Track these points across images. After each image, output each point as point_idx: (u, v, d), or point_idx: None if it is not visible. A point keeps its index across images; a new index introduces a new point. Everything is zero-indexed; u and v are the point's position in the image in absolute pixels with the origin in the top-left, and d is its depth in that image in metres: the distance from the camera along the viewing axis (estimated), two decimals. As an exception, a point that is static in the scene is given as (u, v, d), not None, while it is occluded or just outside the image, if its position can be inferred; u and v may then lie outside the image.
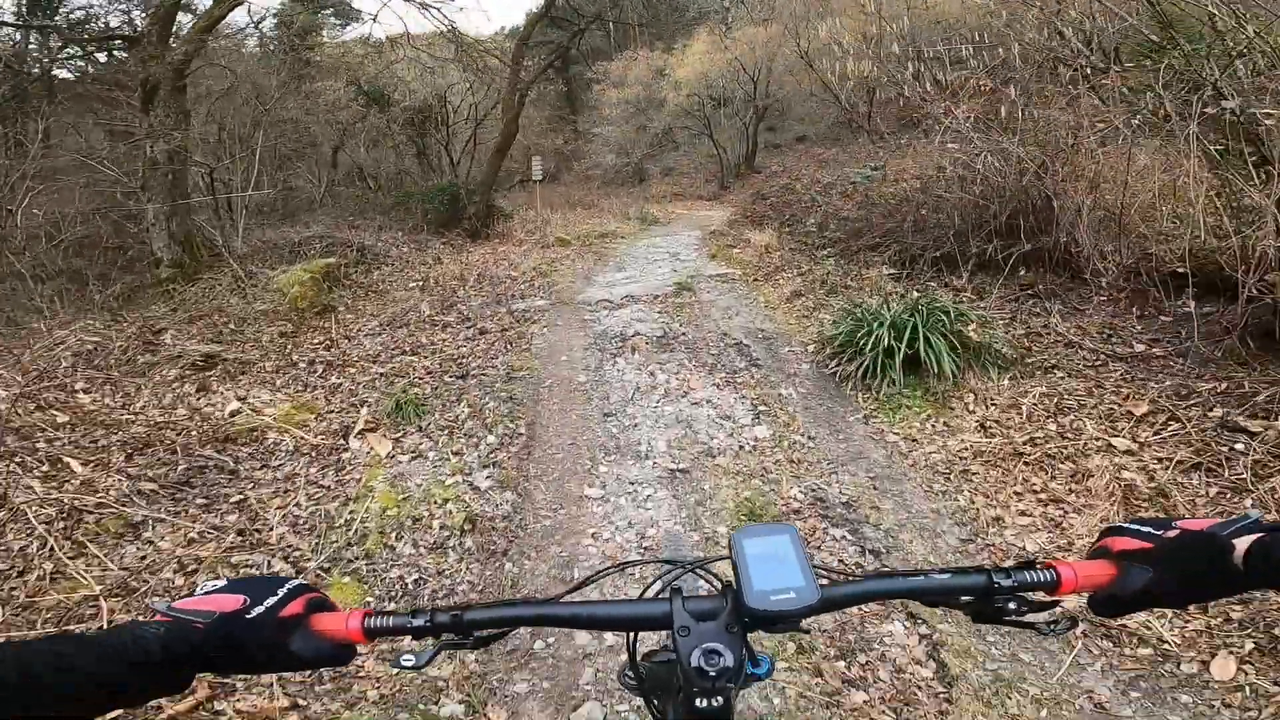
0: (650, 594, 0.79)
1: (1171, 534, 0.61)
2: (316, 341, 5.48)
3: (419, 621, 0.63)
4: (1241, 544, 0.56)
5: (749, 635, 0.64)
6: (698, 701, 0.60)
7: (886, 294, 5.90)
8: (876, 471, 3.58)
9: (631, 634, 0.77)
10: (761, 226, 9.16)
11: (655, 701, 0.78)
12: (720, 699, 0.60)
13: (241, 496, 3.49)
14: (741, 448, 3.95)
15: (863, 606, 2.39)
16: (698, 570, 0.76)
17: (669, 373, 4.92)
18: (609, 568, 0.84)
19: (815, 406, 4.40)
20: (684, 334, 5.65)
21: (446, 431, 4.02)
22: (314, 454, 3.95)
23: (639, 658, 0.81)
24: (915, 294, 4.95)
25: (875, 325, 4.50)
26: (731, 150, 22.21)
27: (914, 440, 3.88)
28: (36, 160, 8.45)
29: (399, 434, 4.05)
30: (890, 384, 4.28)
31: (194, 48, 7.85)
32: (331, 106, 16.47)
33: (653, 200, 18.27)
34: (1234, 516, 0.60)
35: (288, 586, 0.64)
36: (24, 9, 13.19)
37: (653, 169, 24.30)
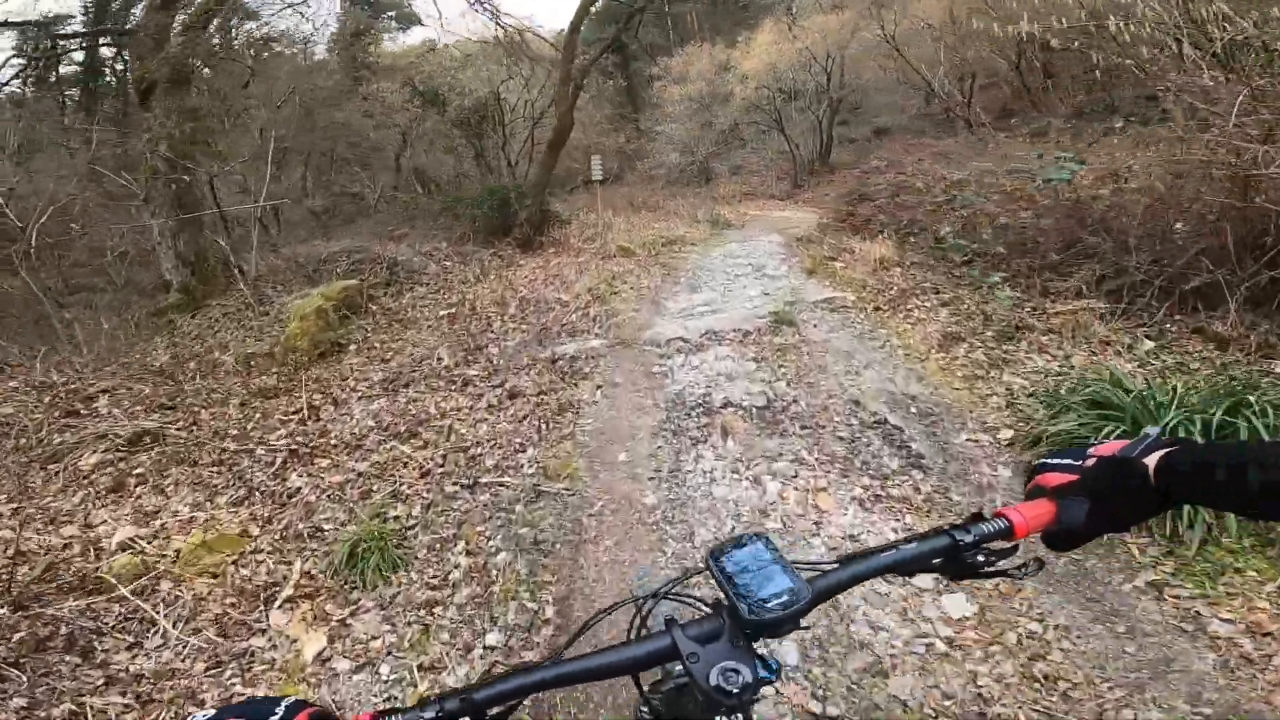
0: (646, 631, 0.71)
1: (1089, 462, 0.61)
2: (293, 411, 3.86)
3: (429, 714, 0.58)
4: (1151, 462, 0.56)
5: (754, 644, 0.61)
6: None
7: (1101, 343, 3.81)
8: (1213, 698, 1.63)
9: (637, 675, 0.67)
10: (867, 234, 7.06)
11: None
12: (740, 714, 0.59)
13: (77, 707, 1.89)
14: (929, 649, 2.07)
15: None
16: (680, 597, 0.72)
17: (782, 478, 3.02)
18: (590, 620, 0.74)
19: (1050, 562, 2.42)
20: (795, 402, 3.72)
21: (421, 614, 2.27)
22: (215, 630, 2.30)
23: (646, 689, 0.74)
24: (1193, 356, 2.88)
25: (1148, 423, 2.46)
26: (804, 146, 19.85)
27: (1270, 636, 1.91)
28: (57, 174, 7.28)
29: (347, 609, 2.33)
30: (1201, 526, 2.28)
31: (190, 39, 6.44)
32: (388, 108, 15.26)
33: (721, 201, 16.24)
34: (1139, 438, 0.60)
35: (285, 704, 0.56)
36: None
37: (719, 168, 22.18)
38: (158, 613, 2.40)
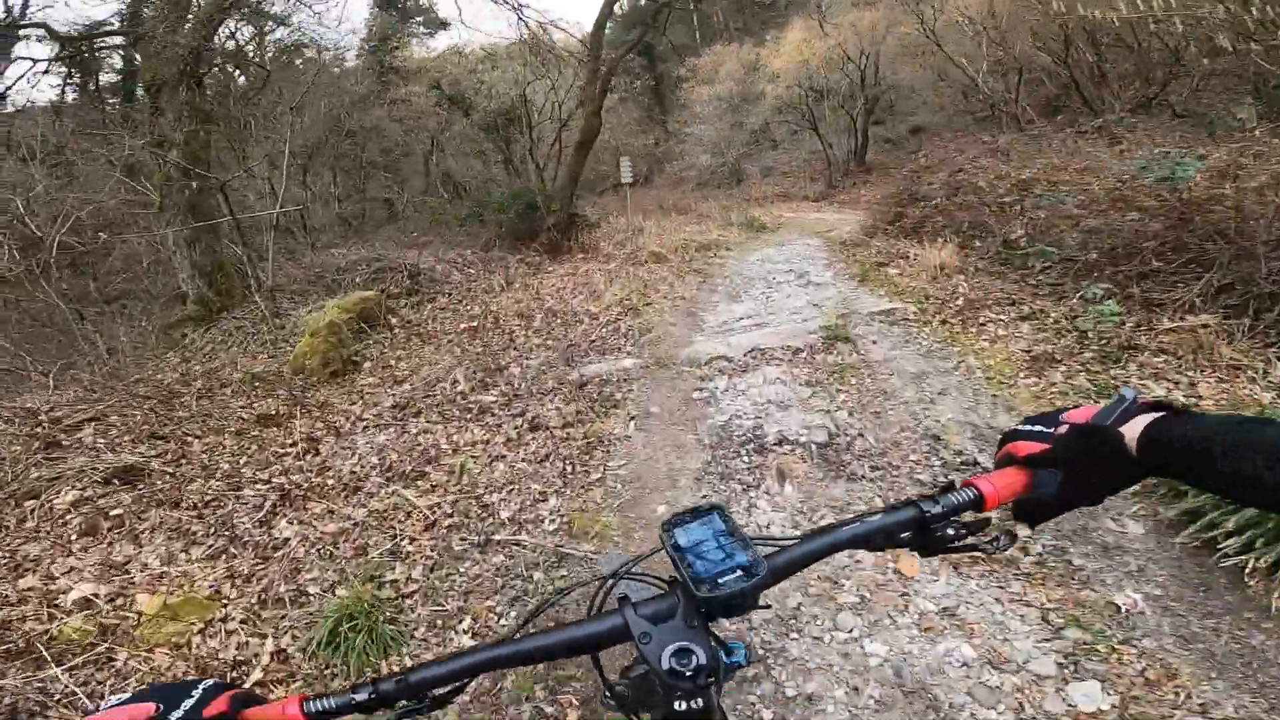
0: (599, 610, 0.66)
1: (1061, 430, 0.57)
2: (290, 443, 3.42)
3: (361, 696, 0.55)
4: (1130, 431, 0.53)
5: (713, 625, 0.58)
6: (677, 705, 0.53)
7: (1229, 367, 3.17)
8: None
9: (596, 656, 0.64)
10: (922, 237, 6.41)
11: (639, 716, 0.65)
12: (700, 700, 0.52)
13: None
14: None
15: None
16: (637, 576, 0.66)
17: (858, 536, 2.47)
18: (546, 601, 0.73)
19: (1208, 638, 1.87)
20: (861, 436, 3.15)
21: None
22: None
23: (618, 676, 0.68)
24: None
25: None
26: (837, 146, 19.08)
27: None
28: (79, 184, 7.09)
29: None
30: None
31: (203, 35, 6.13)
32: (415, 112, 15.03)
33: (753, 203, 15.65)
34: (1112, 401, 0.55)
35: (203, 686, 0.54)
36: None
37: (750, 169, 21.54)
38: (110, 691, 1.97)
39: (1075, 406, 0.60)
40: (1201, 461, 0.49)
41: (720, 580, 0.54)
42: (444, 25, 22.24)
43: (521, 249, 8.64)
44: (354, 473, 3.06)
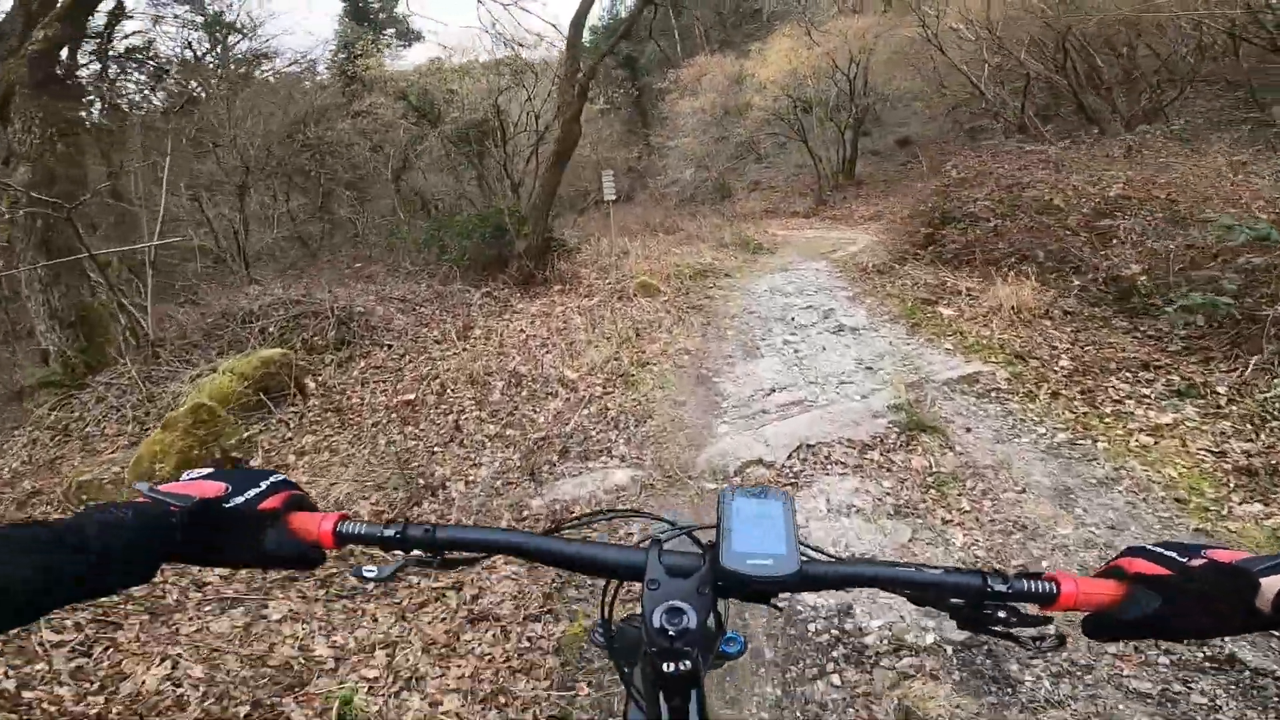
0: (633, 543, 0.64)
1: (1197, 562, 0.49)
2: (45, 671, 1.94)
3: (389, 532, 0.55)
4: (1270, 583, 0.45)
5: (725, 602, 0.57)
6: (665, 666, 0.50)
7: None
8: None
9: (609, 585, 0.63)
10: (973, 266, 5.10)
11: (624, 664, 0.64)
12: (686, 663, 0.50)
13: None
14: None
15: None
16: (690, 534, 0.60)
17: None
18: (599, 513, 0.72)
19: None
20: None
21: None
22: None
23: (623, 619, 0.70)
24: None
25: None
26: (824, 159, 17.95)
27: None
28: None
29: None
30: None
31: (57, 36, 4.62)
32: (382, 125, 13.55)
33: (742, 219, 14.41)
34: (1270, 555, 0.47)
35: (271, 480, 0.56)
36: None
37: (736, 184, 20.35)
38: None
39: (1224, 546, 0.51)
40: None
41: (749, 561, 0.50)
42: (418, 37, 20.81)
43: (488, 279, 7.17)
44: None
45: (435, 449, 3.28)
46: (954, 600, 0.53)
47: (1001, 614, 0.51)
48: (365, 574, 0.55)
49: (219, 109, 10.22)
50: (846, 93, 16.84)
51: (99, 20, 12.73)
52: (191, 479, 0.53)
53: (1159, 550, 0.51)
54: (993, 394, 3.35)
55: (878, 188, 17.05)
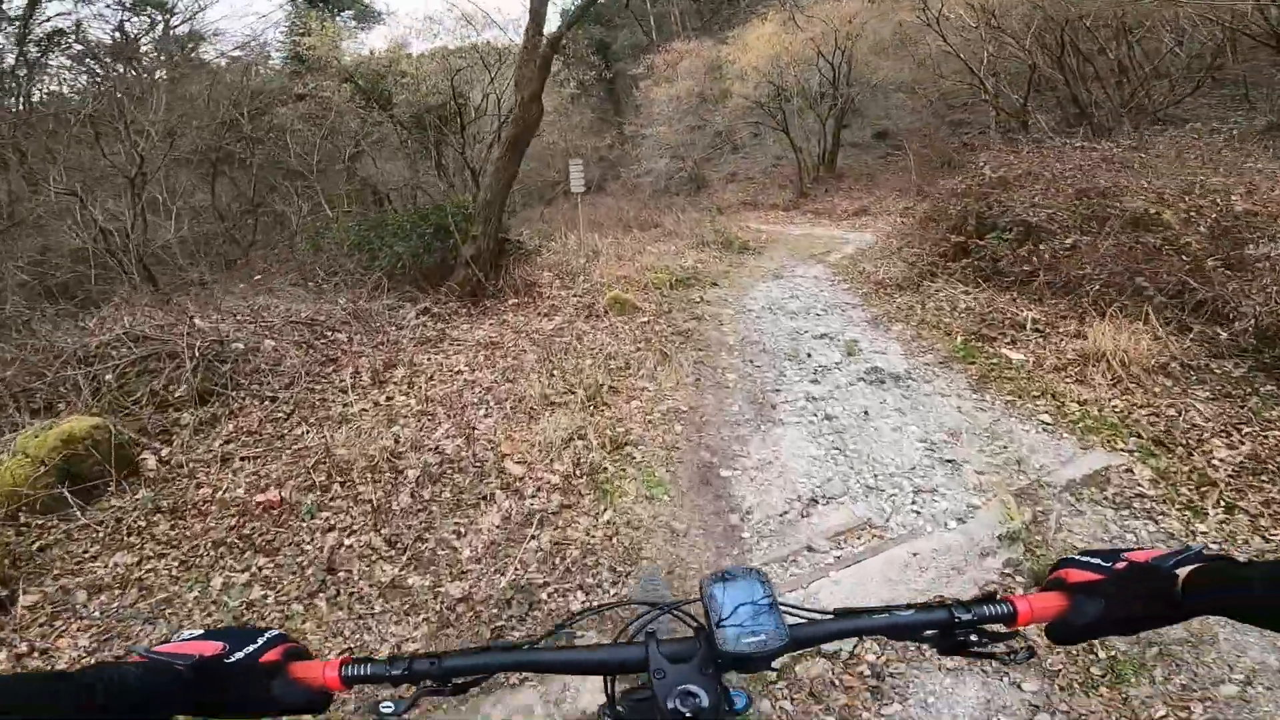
0: (626, 637, 0.70)
1: (1120, 565, 0.56)
2: None
3: (397, 670, 0.55)
4: (1183, 573, 0.52)
5: (724, 675, 0.58)
6: None
7: None
8: None
9: (611, 678, 0.66)
10: (1041, 294, 3.93)
11: None
12: None
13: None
14: None
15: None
16: (673, 612, 0.65)
17: None
18: (586, 611, 0.74)
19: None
20: None
21: None
22: None
23: (622, 694, 0.71)
24: None
25: None
26: (806, 150, 16.75)
27: None
28: None
29: None
30: None
31: None
32: (330, 109, 11.88)
33: (720, 213, 13.15)
34: (1178, 549, 0.54)
35: (266, 636, 0.55)
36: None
37: (712, 175, 19.04)
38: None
39: (1139, 547, 0.60)
40: (1240, 596, 0.48)
41: (744, 640, 0.53)
42: (379, 20, 18.84)
43: (429, 291, 5.79)
44: None
45: (295, 602, 1.97)
46: (928, 633, 0.57)
47: (973, 637, 0.56)
48: (383, 710, 0.52)
49: (145, 94, 8.51)
50: (830, 81, 15.61)
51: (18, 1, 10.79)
52: (185, 640, 0.53)
53: (1087, 559, 0.57)
54: (1136, 504, 2.18)
55: (859, 181, 15.95)
